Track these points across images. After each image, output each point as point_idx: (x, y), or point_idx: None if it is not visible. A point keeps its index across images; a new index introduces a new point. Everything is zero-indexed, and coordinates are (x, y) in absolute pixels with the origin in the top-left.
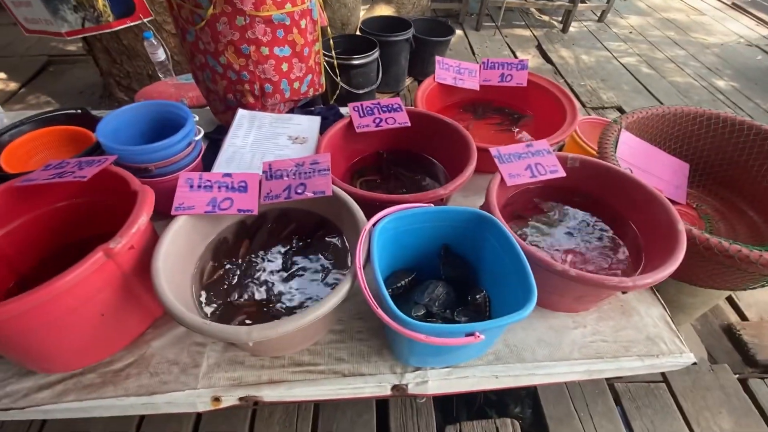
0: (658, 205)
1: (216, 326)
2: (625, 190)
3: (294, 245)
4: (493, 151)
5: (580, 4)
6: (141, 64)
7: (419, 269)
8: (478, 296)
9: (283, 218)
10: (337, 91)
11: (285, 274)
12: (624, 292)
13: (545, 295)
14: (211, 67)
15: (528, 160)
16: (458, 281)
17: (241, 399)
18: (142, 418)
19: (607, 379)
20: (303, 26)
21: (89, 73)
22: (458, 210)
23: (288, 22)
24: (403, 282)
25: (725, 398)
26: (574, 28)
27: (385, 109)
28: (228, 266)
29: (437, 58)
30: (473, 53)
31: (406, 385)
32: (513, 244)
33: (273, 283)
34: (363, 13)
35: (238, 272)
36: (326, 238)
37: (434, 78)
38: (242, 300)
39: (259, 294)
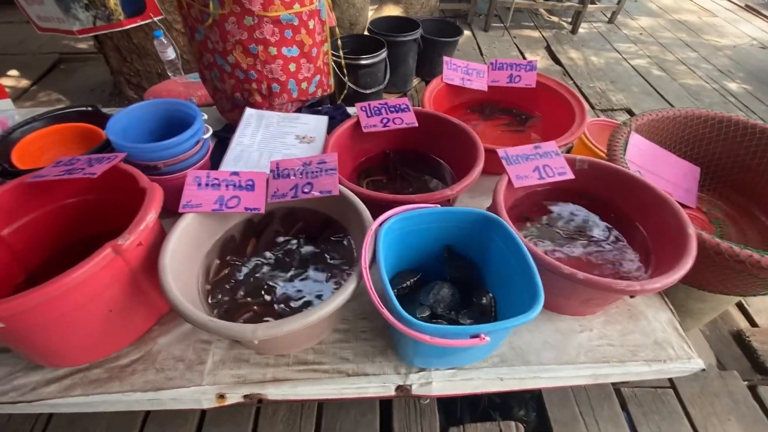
0: (667, 208)
1: (222, 324)
2: (634, 193)
3: (300, 244)
4: (501, 152)
5: (589, 5)
6: (151, 62)
7: (424, 270)
8: (483, 298)
9: (289, 217)
10: (345, 91)
11: (291, 273)
12: (632, 296)
13: (551, 297)
14: (219, 66)
15: (536, 162)
16: (463, 282)
17: (245, 396)
18: (147, 414)
19: (614, 384)
20: (311, 27)
21: (100, 71)
22: (465, 211)
23: (296, 23)
24: (408, 283)
25: (734, 405)
26: (583, 29)
27: (393, 109)
28: (234, 264)
29: (445, 58)
30: (481, 54)
31: (410, 386)
32: (520, 246)
33: (279, 282)
34: (371, 13)
35: (245, 270)
36: (332, 238)
37: (442, 78)
38: (248, 298)
39: (265, 292)
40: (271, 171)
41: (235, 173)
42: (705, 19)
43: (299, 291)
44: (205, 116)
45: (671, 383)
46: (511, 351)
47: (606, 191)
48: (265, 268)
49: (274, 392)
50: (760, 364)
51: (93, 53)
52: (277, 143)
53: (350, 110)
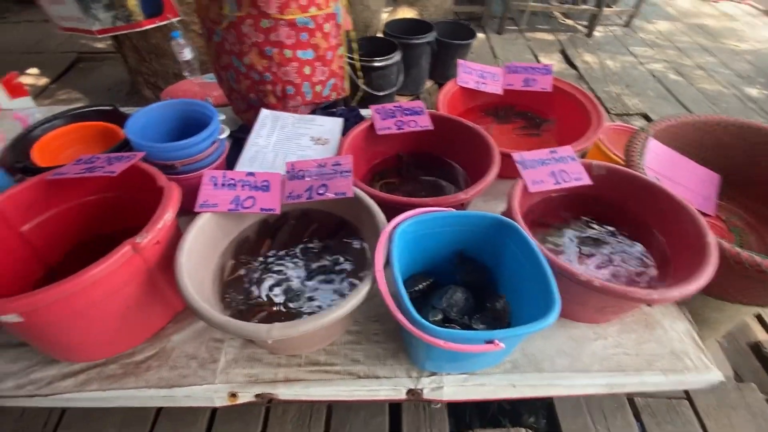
0: (686, 216)
1: (237, 323)
2: (652, 200)
3: (314, 246)
4: (517, 156)
5: (606, 9)
6: (168, 62)
7: (437, 273)
8: (497, 303)
9: (304, 218)
10: (360, 94)
11: (305, 274)
12: (650, 305)
13: (566, 304)
14: (235, 68)
15: (552, 167)
16: (476, 287)
17: (257, 396)
18: (158, 411)
19: (627, 394)
20: (327, 30)
21: (117, 70)
22: (479, 215)
23: (312, 26)
24: (420, 286)
25: (751, 418)
26: (599, 32)
27: (407, 112)
28: (249, 264)
29: (459, 61)
30: (495, 56)
31: (422, 390)
32: (535, 252)
33: (293, 283)
34: (385, 16)
35: (259, 270)
36: (346, 240)
37: (456, 81)
38: (262, 298)
39: (279, 292)
40: (287, 172)
41: (251, 174)
42: (724, 24)
43: (313, 292)
44: (223, 116)
45: (687, 394)
46: (524, 357)
47: (623, 197)
48: (280, 269)
49: (285, 392)
50: None
51: (111, 53)
52: (292, 144)
53: (364, 112)
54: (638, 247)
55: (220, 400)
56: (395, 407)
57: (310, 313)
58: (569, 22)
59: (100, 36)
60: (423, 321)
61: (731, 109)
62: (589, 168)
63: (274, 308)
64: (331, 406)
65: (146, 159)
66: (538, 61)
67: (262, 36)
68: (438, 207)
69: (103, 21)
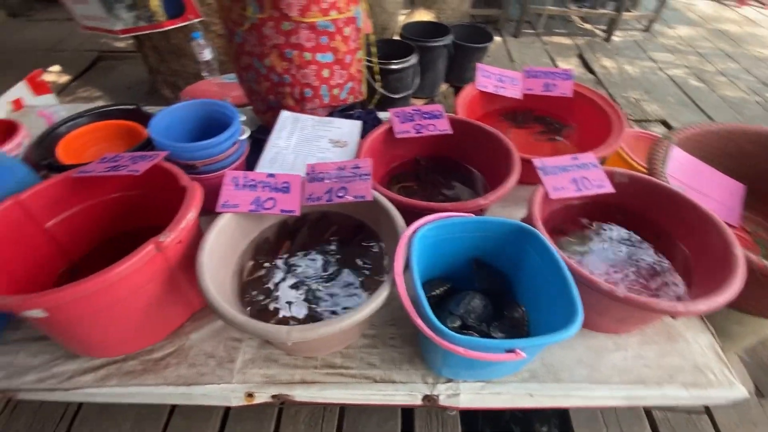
0: (712, 227)
1: (257, 324)
2: (675, 210)
3: (333, 248)
4: (537, 162)
5: (625, 13)
6: (187, 62)
7: (454, 278)
8: (516, 311)
9: (323, 221)
10: (377, 97)
11: (323, 276)
12: (674, 317)
13: (586, 313)
14: (256, 69)
15: (573, 173)
16: (493, 293)
17: (273, 397)
18: (172, 408)
19: (645, 406)
20: (347, 34)
21: (137, 69)
22: (500, 221)
23: (332, 29)
24: (438, 291)
25: None
26: (618, 37)
27: (426, 115)
28: (268, 265)
29: (478, 65)
30: (511, 60)
31: (438, 396)
32: (557, 260)
33: (311, 285)
34: (402, 18)
35: (278, 271)
36: (364, 243)
37: (475, 85)
38: (280, 300)
39: (297, 295)
40: (307, 174)
41: (271, 175)
42: (747, 29)
43: (331, 294)
44: (243, 117)
45: (707, 409)
46: (542, 367)
47: (646, 206)
48: (298, 270)
49: (301, 394)
50: None
51: (131, 52)
52: (311, 146)
53: (381, 115)
54: (660, 258)
55: (237, 400)
56: (408, 412)
57: (327, 315)
58: (587, 26)
59: (122, 36)
60: (443, 327)
61: (755, 117)
62: (611, 175)
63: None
64: (343, 408)
65: (168, 158)
66: (555, 65)
67: (282, 38)
68: (457, 212)
69: (125, 21)
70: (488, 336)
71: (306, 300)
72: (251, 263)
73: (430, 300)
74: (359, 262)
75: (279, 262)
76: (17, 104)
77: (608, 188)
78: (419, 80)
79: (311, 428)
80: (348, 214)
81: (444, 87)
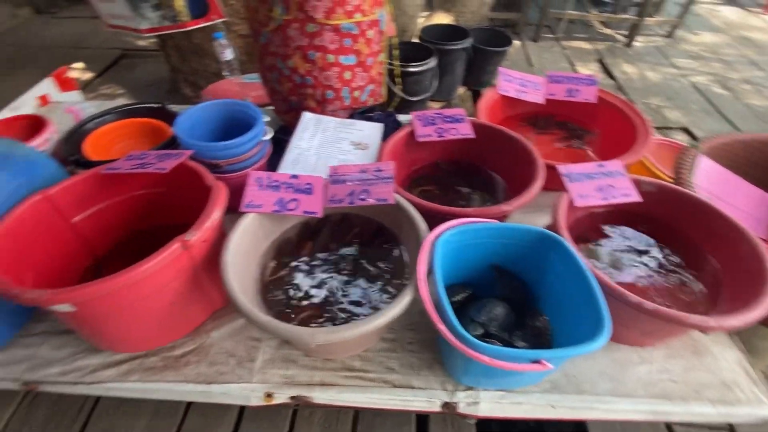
0: (743, 240)
1: (280, 324)
2: (705, 221)
3: (354, 251)
4: (562, 169)
5: (647, 19)
6: (208, 62)
7: (473, 285)
8: (538, 321)
9: (344, 222)
10: (397, 99)
11: (344, 279)
12: (705, 332)
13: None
14: (279, 70)
15: (599, 181)
16: (514, 301)
17: (292, 398)
18: (189, 404)
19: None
20: (370, 36)
21: (158, 67)
22: (524, 228)
23: (356, 32)
24: (458, 297)
25: None
26: (639, 42)
27: (448, 119)
28: (290, 266)
29: (500, 69)
30: (530, 64)
31: (457, 404)
32: (582, 270)
33: (332, 287)
34: (421, 20)
35: (300, 272)
36: (385, 246)
37: (497, 89)
38: (302, 300)
39: (318, 296)
40: (329, 176)
41: (294, 176)
42: None
43: (351, 297)
44: (267, 118)
45: (730, 426)
46: (564, 378)
47: (672, 217)
48: (320, 272)
49: (320, 396)
50: None
51: (153, 51)
52: (333, 148)
53: (401, 118)
54: (686, 269)
55: (257, 400)
56: (422, 418)
57: (348, 317)
58: (608, 31)
59: (146, 35)
60: (468, 335)
61: None
62: (637, 184)
63: (314, 311)
64: (357, 411)
65: (193, 157)
66: (574, 70)
67: (306, 40)
68: (479, 217)
69: (150, 20)
70: (510, 345)
71: (327, 301)
72: (273, 263)
73: (451, 306)
74: (380, 264)
75: (301, 263)
76: (44, 100)
77: (635, 197)
78: (437, 83)
79: (325, 429)
80: (369, 217)
81: (462, 90)
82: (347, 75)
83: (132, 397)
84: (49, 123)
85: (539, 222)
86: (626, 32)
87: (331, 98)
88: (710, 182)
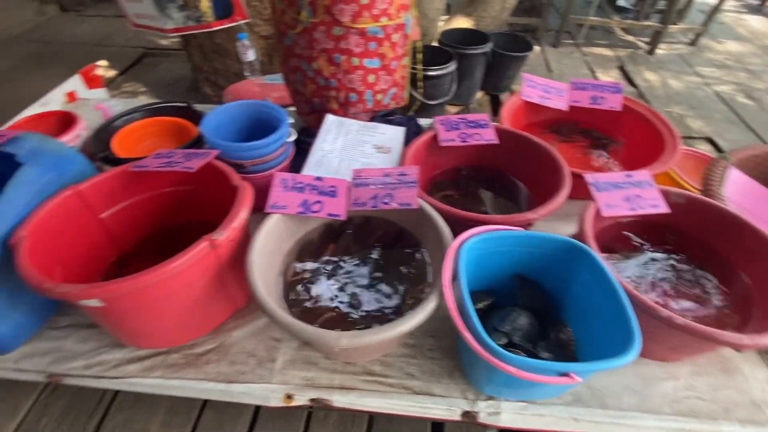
0: None
1: (306, 327)
2: (737, 236)
3: (376, 253)
4: (589, 178)
5: (671, 26)
6: (229, 62)
7: (495, 293)
8: (562, 332)
9: (366, 225)
10: (417, 103)
11: (366, 282)
12: (739, 350)
13: None
14: (303, 71)
15: (627, 191)
16: (535, 312)
17: (312, 400)
18: (204, 402)
19: None
20: (395, 40)
21: (179, 66)
22: (550, 237)
23: (381, 35)
24: (481, 305)
25: None
26: (662, 50)
27: (472, 124)
28: (312, 267)
29: (524, 75)
30: (549, 70)
31: (478, 413)
32: (611, 282)
33: (354, 289)
34: (441, 24)
35: (322, 274)
36: (407, 250)
37: (520, 95)
38: (324, 302)
39: (340, 298)
40: (353, 179)
41: (319, 178)
42: None
43: (374, 300)
44: (292, 120)
45: None
46: (587, 391)
47: (701, 229)
48: (342, 274)
49: (340, 399)
50: None
51: (175, 50)
52: (356, 151)
53: (421, 121)
54: (715, 284)
55: (276, 401)
56: (438, 425)
57: (369, 320)
58: (629, 37)
59: (171, 35)
60: (495, 345)
61: None
62: (666, 195)
63: (336, 313)
64: (372, 415)
65: (217, 157)
66: (594, 77)
67: (332, 43)
68: (504, 225)
69: (176, 20)
70: (534, 356)
71: (349, 304)
72: (296, 264)
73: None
74: (402, 268)
75: (323, 265)
76: (71, 96)
77: (663, 208)
78: (456, 87)
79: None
80: (391, 220)
81: (479, 95)
82: (371, 78)
83: (153, 393)
84: (79, 119)
85: (560, 230)
86: (648, 39)
87: (353, 101)
88: (740, 195)
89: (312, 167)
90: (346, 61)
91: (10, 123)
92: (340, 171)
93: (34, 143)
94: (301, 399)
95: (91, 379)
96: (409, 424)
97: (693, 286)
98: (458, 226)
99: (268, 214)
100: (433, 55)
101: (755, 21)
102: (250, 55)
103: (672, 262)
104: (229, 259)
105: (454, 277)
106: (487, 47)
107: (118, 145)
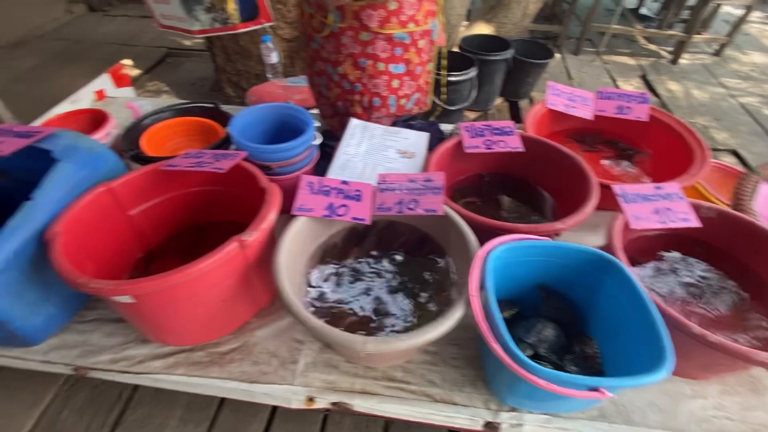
0: None
1: (333, 331)
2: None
3: (399, 258)
4: (618, 189)
5: (695, 36)
6: (252, 64)
7: (519, 302)
8: (588, 345)
9: (390, 230)
10: (439, 109)
11: (389, 287)
12: None
13: None
14: (328, 75)
15: (656, 204)
16: (560, 323)
17: (333, 404)
18: (221, 401)
19: None
20: (421, 46)
21: (201, 67)
22: (578, 248)
23: (408, 41)
24: (505, 315)
25: None
26: (685, 60)
27: (497, 131)
28: (336, 270)
29: (549, 83)
30: (569, 77)
31: (500, 425)
32: (641, 296)
33: (377, 294)
34: (462, 30)
35: (346, 277)
36: (431, 256)
37: (545, 103)
38: (347, 306)
39: (363, 303)
40: (378, 183)
41: (345, 182)
42: None
43: (396, 306)
44: (318, 124)
45: None
46: (612, 406)
47: (731, 245)
48: (365, 278)
49: (361, 404)
50: None
51: (198, 51)
52: (380, 156)
53: (443, 127)
54: (745, 301)
55: (298, 403)
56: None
57: (391, 326)
58: (652, 46)
59: (197, 36)
60: (523, 357)
61: None
62: (696, 209)
63: (358, 317)
64: (388, 421)
65: (245, 158)
66: (615, 85)
67: (359, 48)
68: (531, 234)
69: (202, 22)
70: (560, 368)
71: (373, 309)
72: (320, 267)
73: None
74: (426, 275)
75: (346, 268)
76: (100, 95)
77: (694, 222)
78: (476, 93)
79: None
80: (415, 226)
81: (499, 101)
82: (395, 83)
83: (176, 389)
84: (110, 117)
85: (583, 241)
86: (671, 49)
87: (377, 105)
88: None
89: (337, 171)
90: (371, 66)
91: (43, 119)
92: (365, 175)
93: (69, 140)
94: (323, 402)
95: (116, 373)
96: (425, 429)
97: (723, 303)
98: (482, 234)
99: (294, 216)
100: (453, 61)
101: None
102: (274, 58)
103: (701, 276)
104: (256, 259)
105: (481, 286)
106: (508, 53)
107: (146, 144)
